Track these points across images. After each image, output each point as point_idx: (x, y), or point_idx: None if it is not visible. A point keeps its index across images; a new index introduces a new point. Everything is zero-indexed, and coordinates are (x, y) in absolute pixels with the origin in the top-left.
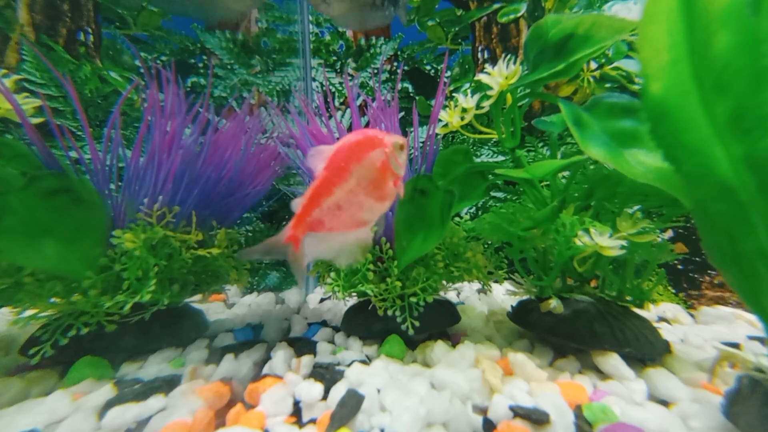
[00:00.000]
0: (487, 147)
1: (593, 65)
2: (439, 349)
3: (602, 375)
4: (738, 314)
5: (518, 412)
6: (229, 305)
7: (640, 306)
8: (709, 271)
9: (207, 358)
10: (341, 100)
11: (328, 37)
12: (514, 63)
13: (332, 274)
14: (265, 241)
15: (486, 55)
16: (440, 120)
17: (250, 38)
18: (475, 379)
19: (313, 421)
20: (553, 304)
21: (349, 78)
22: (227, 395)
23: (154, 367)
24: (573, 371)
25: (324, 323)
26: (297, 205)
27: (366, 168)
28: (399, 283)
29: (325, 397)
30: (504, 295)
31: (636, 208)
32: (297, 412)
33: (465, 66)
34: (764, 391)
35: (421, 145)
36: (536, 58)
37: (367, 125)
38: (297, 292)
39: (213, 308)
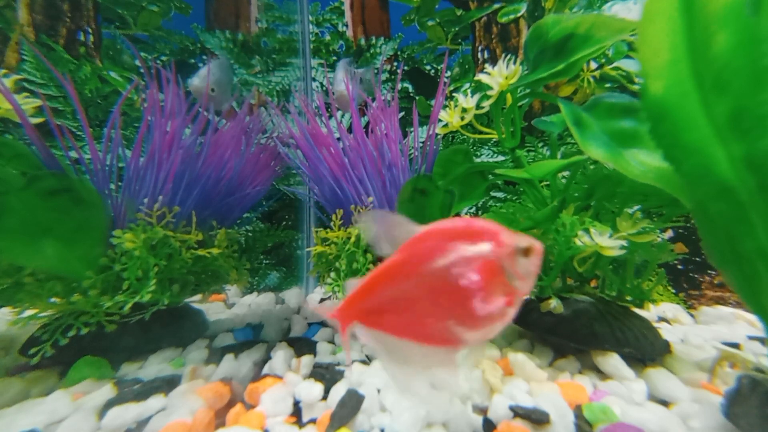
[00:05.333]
0: (487, 147)
1: (593, 65)
2: None
3: (602, 375)
4: (738, 314)
5: (518, 412)
6: (229, 305)
7: (640, 306)
8: (709, 271)
9: (207, 358)
10: None
11: (328, 37)
12: (514, 63)
13: (332, 274)
14: (323, 305)
15: (486, 55)
16: (440, 120)
17: (250, 38)
18: (475, 379)
19: (313, 421)
20: (553, 304)
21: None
22: (227, 395)
23: (154, 367)
24: (573, 371)
25: (324, 323)
26: (350, 286)
27: (455, 266)
28: None
29: (325, 397)
30: None
31: (636, 208)
32: (297, 412)
33: (465, 66)
34: (764, 391)
35: (421, 145)
36: (536, 58)
37: (367, 125)
38: (297, 292)
39: (213, 308)
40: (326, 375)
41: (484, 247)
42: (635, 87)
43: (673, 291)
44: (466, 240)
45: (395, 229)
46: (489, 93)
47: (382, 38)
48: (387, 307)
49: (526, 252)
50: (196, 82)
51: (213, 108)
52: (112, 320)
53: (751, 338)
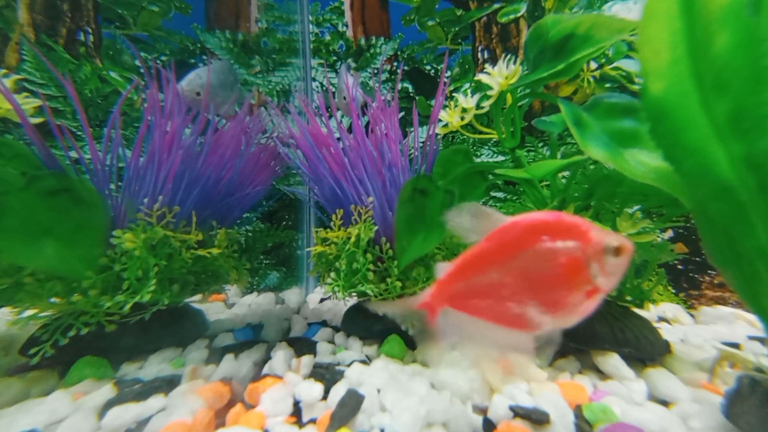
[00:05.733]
0: (487, 147)
1: (593, 65)
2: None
3: (602, 375)
4: (738, 314)
5: (518, 412)
6: (229, 305)
7: (640, 306)
8: (709, 271)
9: (207, 358)
10: None
11: (328, 37)
12: (514, 63)
13: (332, 274)
14: (399, 300)
15: (486, 55)
16: (440, 120)
17: (250, 38)
18: (475, 379)
19: (313, 421)
20: None
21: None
22: (227, 395)
23: (154, 367)
24: (573, 371)
25: (324, 323)
26: (441, 269)
27: (539, 259)
28: (399, 283)
29: (325, 397)
30: None
31: (636, 208)
32: (297, 412)
33: (465, 66)
34: (764, 391)
35: (421, 145)
36: (536, 58)
37: (367, 125)
38: (297, 292)
39: (213, 308)
40: (326, 375)
41: (570, 243)
42: (635, 87)
43: (673, 291)
44: (554, 234)
45: (483, 219)
46: (489, 93)
47: (382, 38)
48: (473, 291)
49: (616, 251)
50: (183, 85)
51: (208, 111)
52: (112, 320)
53: (751, 338)
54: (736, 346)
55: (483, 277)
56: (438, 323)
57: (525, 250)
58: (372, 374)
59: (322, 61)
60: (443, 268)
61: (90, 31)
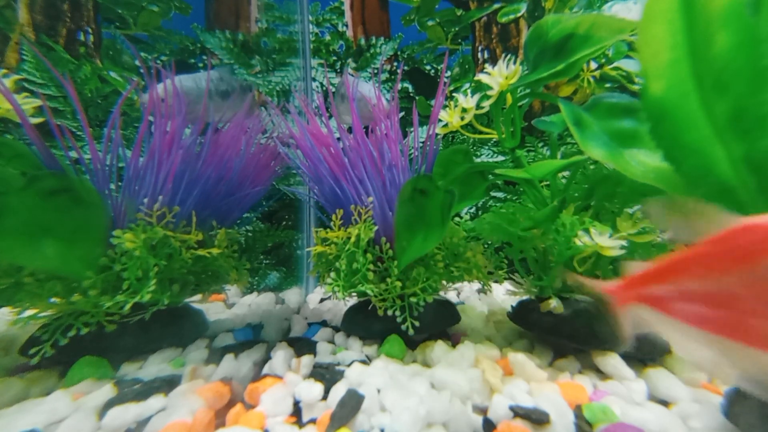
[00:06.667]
0: (487, 147)
1: (593, 65)
2: (439, 349)
3: (602, 375)
4: None
5: (518, 412)
6: (229, 305)
7: None
8: None
9: (207, 358)
10: None
11: (328, 37)
12: (514, 63)
13: (332, 274)
14: (592, 279)
15: (486, 55)
16: (440, 120)
17: (250, 38)
18: (475, 379)
19: (313, 421)
20: (553, 304)
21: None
22: (227, 395)
23: (154, 367)
24: (573, 371)
25: (324, 323)
26: (634, 267)
27: None
28: (399, 283)
29: (325, 397)
30: (504, 295)
31: (636, 208)
32: (297, 412)
33: (465, 66)
34: None
35: (421, 145)
36: (536, 58)
37: (367, 126)
38: (297, 292)
39: (213, 308)
40: (326, 375)
41: None
42: (635, 87)
43: None
44: None
45: (702, 218)
46: (489, 93)
47: (382, 38)
48: (682, 295)
49: None
50: (183, 88)
51: (208, 114)
52: (112, 320)
53: None
54: None
55: (699, 282)
56: (627, 315)
57: None
58: (372, 374)
59: (322, 61)
60: (636, 267)
61: (90, 31)
